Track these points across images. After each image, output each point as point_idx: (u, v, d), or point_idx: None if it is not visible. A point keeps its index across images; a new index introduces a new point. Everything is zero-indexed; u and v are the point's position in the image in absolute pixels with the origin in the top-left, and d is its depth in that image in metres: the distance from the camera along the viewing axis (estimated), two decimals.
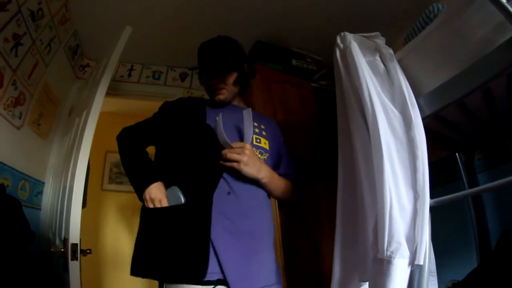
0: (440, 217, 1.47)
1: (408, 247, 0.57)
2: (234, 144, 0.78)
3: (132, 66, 1.95)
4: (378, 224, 0.58)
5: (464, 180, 1.37)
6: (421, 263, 0.55)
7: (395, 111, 0.73)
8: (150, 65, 1.99)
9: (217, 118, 0.80)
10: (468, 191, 0.66)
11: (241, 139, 0.84)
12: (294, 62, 1.67)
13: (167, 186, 0.80)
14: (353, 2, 1.49)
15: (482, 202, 1.35)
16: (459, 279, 1.18)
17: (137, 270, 0.75)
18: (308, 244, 1.25)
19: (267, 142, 0.93)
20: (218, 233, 0.71)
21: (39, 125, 1.49)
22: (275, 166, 0.95)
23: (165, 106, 0.96)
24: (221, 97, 0.91)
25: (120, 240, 2.29)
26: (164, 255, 0.71)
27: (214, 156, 0.78)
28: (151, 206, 0.78)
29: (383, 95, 0.75)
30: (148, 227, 0.79)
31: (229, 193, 0.77)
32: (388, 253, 0.56)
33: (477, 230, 1.33)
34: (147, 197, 0.79)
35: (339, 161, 0.83)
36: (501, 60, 0.70)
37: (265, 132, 0.95)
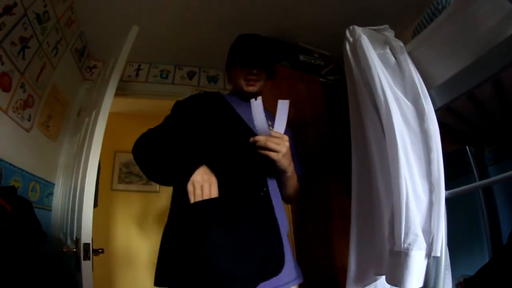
0: (450, 211, 1.46)
1: (425, 239, 0.57)
2: (273, 133, 0.73)
3: (139, 65, 1.96)
4: (394, 216, 0.58)
5: (475, 173, 1.35)
6: (438, 254, 0.55)
7: (408, 103, 0.72)
8: (158, 64, 1.99)
9: (253, 101, 0.71)
10: (482, 182, 0.66)
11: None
12: (301, 57, 1.66)
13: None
14: None
15: (493, 195, 1.33)
16: (471, 274, 1.17)
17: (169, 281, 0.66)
18: (320, 239, 1.25)
19: None
20: None
21: (48, 126, 1.50)
22: None
23: (180, 106, 0.90)
24: (254, 88, 0.89)
25: (130, 239, 2.31)
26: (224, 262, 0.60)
27: (252, 147, 0.73)
28: (198, 191, 0.63)
29: (395, 88, 0.75)
30: (189, 226, 0.64)
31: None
32: (405, 245, 0.56)
33: (488, 224, 1.31)
34: (194, 182, 0.64)
35: (352, 155, 0.83)
36: (510, 50, 0.70)
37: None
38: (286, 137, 0.74)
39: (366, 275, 0.70)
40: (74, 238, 1.17)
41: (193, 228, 0.63)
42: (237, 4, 1.52)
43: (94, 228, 1.17)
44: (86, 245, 1.11)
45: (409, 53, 0.93)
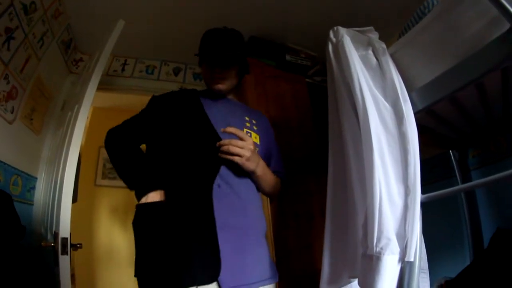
0: (433, 214, 1.46)
1: (399, 243, 0.55)
2: (239, 134, 0.74)
3: (125, 60, 1.91)
4: (368, 219, 0.56)
5: (458, 177, 1.35)
6: (412, 259, 0.53)
7: (387, 105, 0.70)
8: (144, 59, 1.95)
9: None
10: (460, 186, 0.64)
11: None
12: (288, 57, 1.64)
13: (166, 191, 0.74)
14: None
15: (475, 199, 1.33)
16: (452, 276, 1.17)
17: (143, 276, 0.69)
18: (300, 240, 1.23)
19: (257, 136, 0.90)
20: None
21: (32, 119, 1.45)
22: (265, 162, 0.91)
23: (155, 101, 0.91)
24: (222, 86, 0.87)
25: (113, 235, 2.26)
26: (169, 260, 0.65)
27: (213, 147, 0.74)
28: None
29: (374, 89, 0.73)
30: (145, 228, 0.71)
31: (219, 186, 0.73)
32: (378, 249, 0.53)
33: (470, 227, 1.31)
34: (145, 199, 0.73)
35: (329, 155, 0.81)
36: (494, 54, 0.69)
37: (256, 127, 0.92)
38: (250, 140, 0.75)
39: (339, 278, 0.68)
40: (53, 233, 1.13)
41: (141, 230, 0.71)
42: (225, 2, 1.49)
43: (77, 223, 1.13)
44: (64, 240, 1.08)
45: (392, 55, 0.91)
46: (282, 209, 1.29)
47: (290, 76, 1.60)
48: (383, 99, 0.71)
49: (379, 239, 0.53)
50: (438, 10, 0.87)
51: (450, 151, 1.39)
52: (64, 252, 1.05)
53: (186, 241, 0.66)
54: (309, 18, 1.57)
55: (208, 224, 0.67)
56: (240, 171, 0.77)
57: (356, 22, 1.06)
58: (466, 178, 1.35)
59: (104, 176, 2.36)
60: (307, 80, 1.64)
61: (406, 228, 0.55)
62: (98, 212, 2.29)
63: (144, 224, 0.71)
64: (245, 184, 0.79)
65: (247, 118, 0.90)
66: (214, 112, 0.85)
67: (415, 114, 0.76)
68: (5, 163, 1.25)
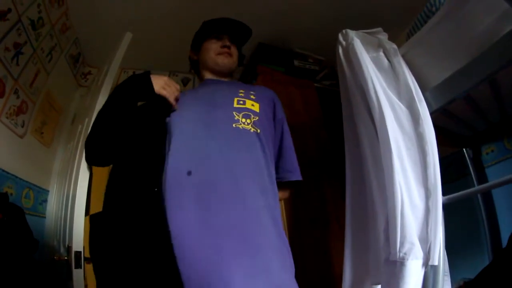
0: (449, 214, 1.43)
1: (422, 248, 0.54)
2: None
3: (134, 72, 1.94)
4: (390, 224, 0.55)
5: (473, 175, 1.33)
6: (436, 263, 0.52)
7: (402, 106, 0.70)
8: (152, 71, 1.98)
9: None
10: (480, 186, 0.63)
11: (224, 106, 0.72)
12: (296, 62, 1.65)
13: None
14: (354, 1, 1.47)
15: (492, 198, 1.31)
16: (471, 277, 1.14)
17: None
18: (316, 247, 1.22)
19: (256, 104, 0.75)
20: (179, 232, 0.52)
21: (42, 133, 1.48)
22: (273, 142, 0.76)
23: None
24: (229, 60, 0.84)
25: None
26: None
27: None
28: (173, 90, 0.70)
29: (388, 91, 0.73)
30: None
31: (189, 173, 0.58)
32: (401, 254, 0.53)
33: (488, 226, 1.29)
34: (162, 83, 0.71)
35: (346, 161, 0.80)
36: (507, 50, 0.68)
37: (254, 96, 0.78)
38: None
39: (361, 284, 0.67)
40: (66, 246, 1.14)
41: None
42: (232, 10, 1.51)
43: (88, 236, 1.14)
44: (78, 253, 1.08)
45: (403, 56, 0.92)
46: (297, 215, 1.29)
47: (299, 82, 1.61)
48: (397, 101, 0.71)
49: (402, 244, 0.53)
50: (447, 8, 0.87)
51: (464, 149, 1.37)
52: (78, 265, 1.06)
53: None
54: (314, 22, 1.58)
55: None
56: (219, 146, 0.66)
57: (362, 24, 1.07)
58: (481, 176, 1.33)
59: None
60: (316, 84, 1.66)
61: (429, 231, 0.55)
62: None
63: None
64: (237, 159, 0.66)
65: (241, 91, 0.79)
66: (199, 94, 0.79)
67: (430, 114, 0.76)
68: (16, 177, 1.27)
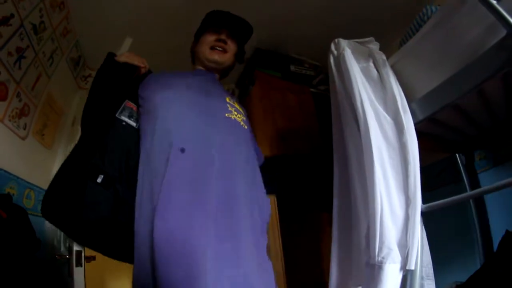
0: (442, 217, 1.48)
1: (400, 252, 0.59)
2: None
3: None
4: (370, 230, 0.60)
5: (465, 181, 1.36)
6: (412, 268, 0.57)
7: (387, 117, 0.74)
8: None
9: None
10: (459, 196, 0.67)
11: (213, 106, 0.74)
12: (292, 68, 1.70)
13: None
14: (350, 7, 1.50)
15: (484, 202, 1.34)
16: (463, 280, 1.18)
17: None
18: (309, 251, 1.26)
19: (241, 110, 0.84)
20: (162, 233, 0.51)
21: (43, 135, 1.53)
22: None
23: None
24: (221, 57, 0.84)
25: None
26: None
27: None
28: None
29: (375, 101, 0.77)
30: None
31: (183, 150, 0.58)
32: (379, 258, 0.57)
33: (479, 230, 1.32)
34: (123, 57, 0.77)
35: (334, 167, 0.85)
36: (493, 61, 0.70)
37: (237, 105, 0.85)
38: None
39: (347, 285, 0.71)
40: (67, 245, 1.20)
41: None
42: None
43: None
44: (78, 252, 1.15)
45: (393, 65, 0.95)
46: (290, 221, 1.33)
47: (295, 87, 1.65)
48: (383, 112, 0.75)
49: (380, 249, 0.57)
50: (437, 18, 0.90)
51: (457, 154, 1.40)
52: (79, 264, 1.12)
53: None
54: (310, 28, 1.63)
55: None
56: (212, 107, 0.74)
57: (357, 31, 1.10)
58: (473, 181, 1.36)
59: None
60: (311, 90, 1.70)
61: (408, 237, 0.59)
62: None
63: None
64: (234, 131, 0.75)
65: (228, 97, 0.83)
66: (190, 80, 0.81)
67: (416, 124, 0.80)
68: (18, 177, 1.33)
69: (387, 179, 0.64)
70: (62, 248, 1.28)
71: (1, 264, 0.92)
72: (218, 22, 0.85)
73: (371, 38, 1.01)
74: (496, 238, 1.27)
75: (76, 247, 1.14)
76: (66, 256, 1.17)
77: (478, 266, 1.25)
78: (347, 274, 0.72)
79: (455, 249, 1.45)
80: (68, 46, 1.62)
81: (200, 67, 0.91)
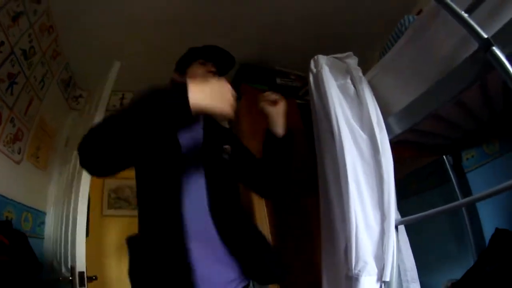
0: (437, 219, 1.54)
1: (377, 265, 0.65)
2: None
3: (123, 95, 2.06)
4: (347, 245, 0.67)
5: (454, 181, 1.42)
6: (388, 279, 0.63)
7: (363, 135, 0.80)
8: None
9: None
10: (433, 210, 0.72)
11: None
12: (278, 80, 1.76)
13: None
14: (333, 19, 1.56)
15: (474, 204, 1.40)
16: (458, 278, 1.24)
17: None
18: (301, 258, 1.32)
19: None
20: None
21: (38, 157, 1.59)
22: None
23: None
24: None
25: (123, 263, 2.37)
26: None
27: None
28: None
29: (351, 119, 0.83)
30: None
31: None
32: (356, 271, 0.64)
33: (471, 229, 1.38)
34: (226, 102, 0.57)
35: (319, 181, 0.90)
36: (467, 74, 0.74)
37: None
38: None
39: None
40: (69, 267, 1.26)
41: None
42: (215, 33, 1.61)
43: (88, 254, 1.26)
44: (81, 273, 1.21)
45: (370, 80, 0.99)
46: (281, 228, 1.39)
47: None
48: (359, 129, 0.81)
49: (357, 262, 0.64)
50: (410, 33, 0.94)
51: (444, 156, 1.46)
52: (82, 284, 1.18)
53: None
54: (296, 38, 1.68)
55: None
56: None
57: (340, 42, 1.15)
58: (462, 181, 1.43)
59: (110, 206, 2.50)
60: (298, 101, 1.75)
61: (384, 250, 0.66)
62: (107, 241, 2.41)
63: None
64: None
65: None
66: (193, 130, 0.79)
67: (392, 139, 0.85)
68: (15, 201, 1.39)
69: (361, 195, 0.70)
70: (64, 269, 1.34)
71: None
72: (206, 55, 0.89)
73: (350, 53, 1.06)
74: (488, 236, 1.33)
75: (78, 269, 1.20)
76: (69, 277, 1.23)
77: (472, 264, 1.31)
78: (334, 284, 0.78)
79: (450, 248, 1.52)
80: (58, 68, 1.68)
81: None
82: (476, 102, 1.00)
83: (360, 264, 0.64)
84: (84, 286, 1.20)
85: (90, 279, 1.28)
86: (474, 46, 0.66)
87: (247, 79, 1.75)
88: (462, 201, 0.78)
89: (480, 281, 1.11)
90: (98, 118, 1.35)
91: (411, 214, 1.79)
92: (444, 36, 0.82)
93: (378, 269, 0.65)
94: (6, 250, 1.09)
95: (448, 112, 1.00)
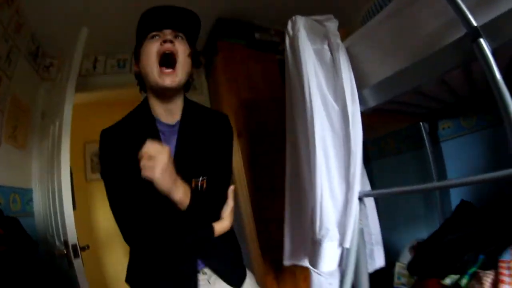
0: (406, 183, 1.64)
1: (339, 231, 0.72)
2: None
3: (95, 58, 1.96)
4: (313, 211, 0.73)
5: (428, 148, 1.49)
6: (347, 246, 0.70)
7: (336, 107, 0.79)
8: (114, 54, 2.00)
9: None
10: (395, 189, 0.76)
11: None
12: (257, 35, 1.68)
13: None
14: None
15: (445, 173, 1.49)
16: (424, 238, 1.38)
17: None
18: (277, 212, 1.41)
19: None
20: None
21: (16, 137, 1.57)
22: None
23: (108, 141, 0.74)
24: (173, 80, 0.69)
25: (112, 222, 2.50)
26: None
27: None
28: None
29: (325, 89, 0.80)
30: None
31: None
32: (319, 236, 0.71)
33: (439, 198, 1.48)
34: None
35: (287, 147, 0.91)
36: (451, 58, 0.70)
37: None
38: (163, 150, 0.60)
39: (298, 254, 0.87)
40: (62, 240, 1.34)
41: None
42: None
43: (77, 221, 1.33)
44: (74, 246, 1.29)
45: (348, 48, 0.93)
46: (259, 184, 1.45)
47: (261, 56, 1.63)
48: (332, 100, 0.80)
49: (320, 229, 0.71)
50: (396, 5, 0.86)
51: (421, 122, 1.49)
52: (76, 255, 1.27)
53: None
54: None
55: None
56: None
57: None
58: (436, 149, 1.50)
59: (93, 171, 2.50)
60: (278, 56, 1.68)
61: (346, 219, 0.73)
62: (94, 206, 2.48)
63: None
64: None
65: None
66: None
67: (365, 111, 0.83)
68: (0, 185, 1.40)
69: (329, 165, 0.73)
70: (58, 243, 1.42)
71: (8, 279, 1.01)
72: (155, 22, 0.72)
73: (330, 16, 0.99)
74: (454, 198, 1.45)
75: (71, 242, 1.28)
76: (64, 250, 1.31)
77: (437, 227, 1.44)
78: (299, 243, 0.86)
79: (420, 214, 1.65)
80: (24, 40, 1.58)
81: (156, 109, 0.79)
82: (459, 81, 0.97)
83: (323, 231, 0.71)
84: (79, 257, 1.29)
85: (83, 248, 1.37)
86: (461, 32, 0.64)
87: (224, 34, 1.67)
88: (434, 184, 0.79)
89: (440, 248, 1.22)
90: (71, 86, 1.32)
91: (388, 174, 1.89)
92: (430, 15, 0.77)
93: (340, 235, 0.73)
94: (2, 239, 1.12)
95: (427, 88, 0.98)
